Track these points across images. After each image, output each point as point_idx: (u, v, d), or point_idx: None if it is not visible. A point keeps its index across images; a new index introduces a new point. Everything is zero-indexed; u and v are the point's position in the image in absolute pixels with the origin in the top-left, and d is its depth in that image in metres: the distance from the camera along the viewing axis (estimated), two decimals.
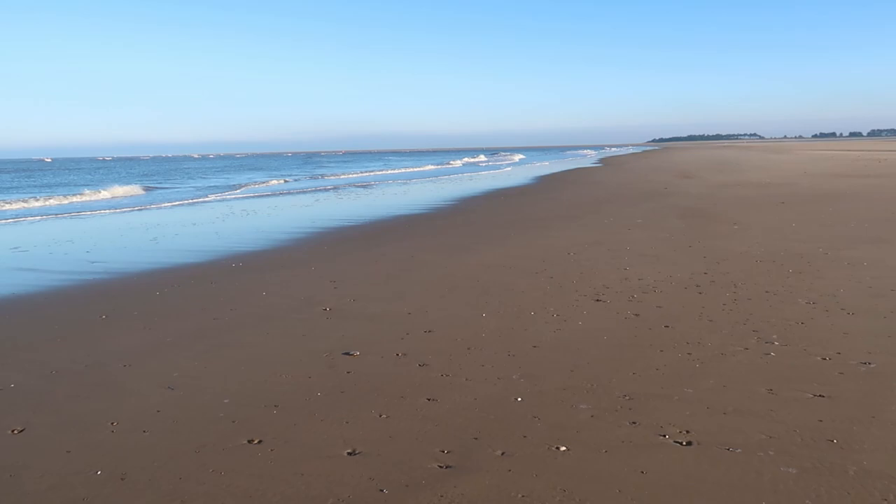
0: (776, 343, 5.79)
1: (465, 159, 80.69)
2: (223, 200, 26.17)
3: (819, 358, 5.39)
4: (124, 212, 21.87)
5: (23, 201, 26.87)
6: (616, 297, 7.62)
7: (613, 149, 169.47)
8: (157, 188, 37.42)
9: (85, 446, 4.20)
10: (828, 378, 4.96)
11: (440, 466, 3.81)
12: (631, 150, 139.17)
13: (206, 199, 27.52)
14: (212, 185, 40.23)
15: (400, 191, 29.21)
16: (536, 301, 7.53)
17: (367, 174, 49.24)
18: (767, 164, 39.75)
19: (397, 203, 22.12)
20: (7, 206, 24.88)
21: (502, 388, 4.98)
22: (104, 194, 30.54)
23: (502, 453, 3.95)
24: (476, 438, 4.15)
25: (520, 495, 3.49)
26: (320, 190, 31.47)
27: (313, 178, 45.88)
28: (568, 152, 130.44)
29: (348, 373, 5.39)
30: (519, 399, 4.76)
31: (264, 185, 37.99)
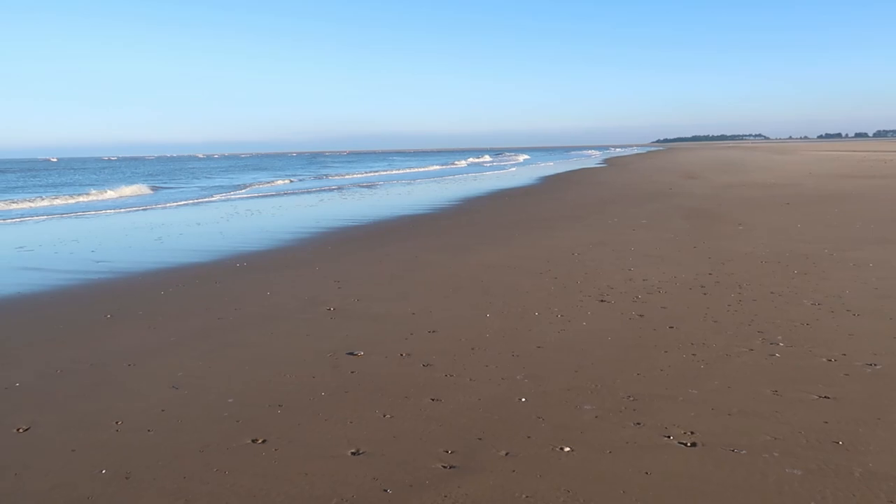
0: (781, 344, 5.78)
1: (470, 159, 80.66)
2: (227, 200, 26.22)
3: (824, 359, 5.37)
4: (129, 211, 21.92)
5: (29, 201, 27.01)
6: (620, 297, 7.60)
7: (618, 149, 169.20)
8: (163, 188, 37.56)
9: (89, 445, 4.21)
10: (833, 379, 4.94)
11: (444, 467, 3.81)
12: (635, 150, 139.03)
13: (211, 198, 27.58)
14: (217, 185, 40.32)
15: (404, 191, 29.22)
16: (541, 301, 7.52)
17: (371, 174, 49.28)
18: (772, 165, 39.65)
19: (401, 203, 22.13)
20: (13, 206, 24.97)
21: (506, 388, 4.98)
22: (111, 194, 30.70)
23: (506, 454, 3.94)
24: (480, 439, 4.15)
25: (524, 496, 3.48)
26: (324, 190, 31.50)
27: (318, 178, 45.93)
28: (572, 153, 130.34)
29: (352, 373, 5.40)
30: (523, 399, 4.75)
31: (269, 185, 38.06)
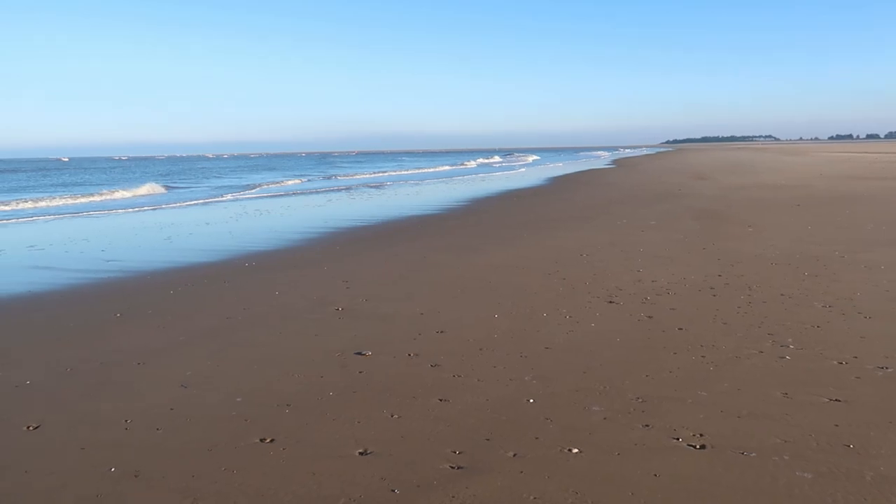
0: (791, 346, 5.74)
1: (480, 160, 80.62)
2: (237, 200, 26.32)
3: (835, 362, 5.33)
4: (143, 211, 22.03)
5: (45, 200, 27.19)
6: (629, 298, 7.58)
7: (627, 150, 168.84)
8: (175, 187, 37.78)
9: (99, 443, 4.23)
10: (844, 382, 4.90)
11: (452, 467, 3.81)
12: (644, 151, 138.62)
13: (222, 198, 27.72)
14: (226, 184, 40.49)
15: (413, 191, 29.23)
16: (549, 302, 7.51)
17: (380, 174, 49.35)
18: (782, 166, 39.44)
19: (410, 203, 22.14)
20: (25, 205, 25.12)
21: (514, 389, 4.97)
22: (127, 193, 31.06)
23: (514, 454, 3.93)
24: (488, 439, 4.14)
25: (532, 497, 3.47)
26: (333, 190, 31.57)
27: (326, 178, 46.03)
28: (581, 153, 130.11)
29: (360, 373, 5.40)
30: (531, 400, 4.74)
31: (278, 185, 38.18)
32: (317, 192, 30.15)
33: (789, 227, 12.94)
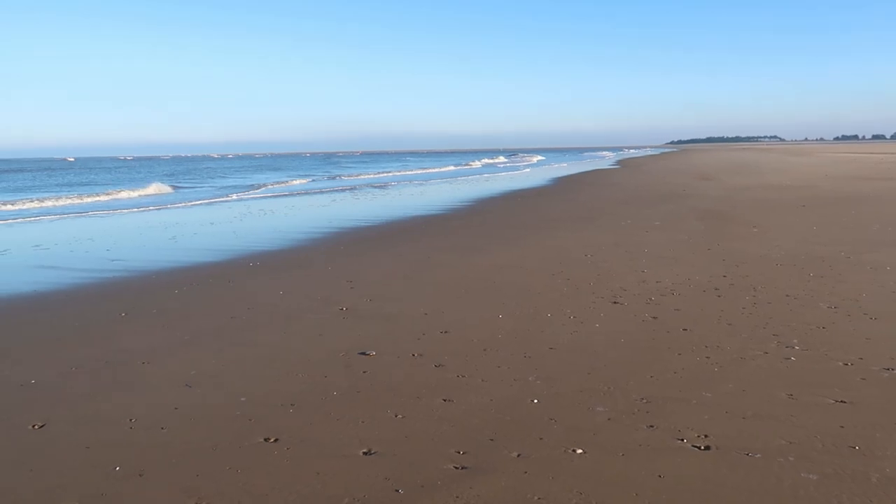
0: (797, 347, 5.72)
1: (485, 160, 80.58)
2: (241, 200, 26.37)
3: (841, 363, 5.31)
4: (144, 211, 22.08)
5: (51, 199, 27.29)
6: (633, 299, 7.56)
7: (631, 150, 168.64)
8: (182, 187, 37.90)
9: (104, 442, 4.24)
10: (850, 383, 4.89)
11: (456, 467, 3.80)
12: (649, 151, 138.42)
13: (228, 198, 27.79)
14: (232, 184, 40.60)
15: (417, 191, 29.24)
16: (553, 303, 7.50)
17: (384, 175, 49.36)
18: (787, 167, 39.33)
19: (414, 204, 22.14)
20: (31, 205, 25.20)
21: (518, 389, 4.96)
22: (135, 193, 31.26)
23: (518, 455, 3.93)
24: (492, 440, 4.14)
25: (536, 497, 3.47)
26: (338, 190, 31.60)
27: (331, 178, 46.08)
28: (586, 154, 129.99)
29: (364, 372, 5.40)
30: (535, 401, 4.74)
31: (283, 185, 38.25)
32: (321, 193, 30.18)
33: (794, 228, 12.90)
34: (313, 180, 42.98)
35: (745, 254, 10.22)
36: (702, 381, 5.01)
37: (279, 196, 28.23)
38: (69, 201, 26.91)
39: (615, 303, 7.42)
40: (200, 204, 24.90)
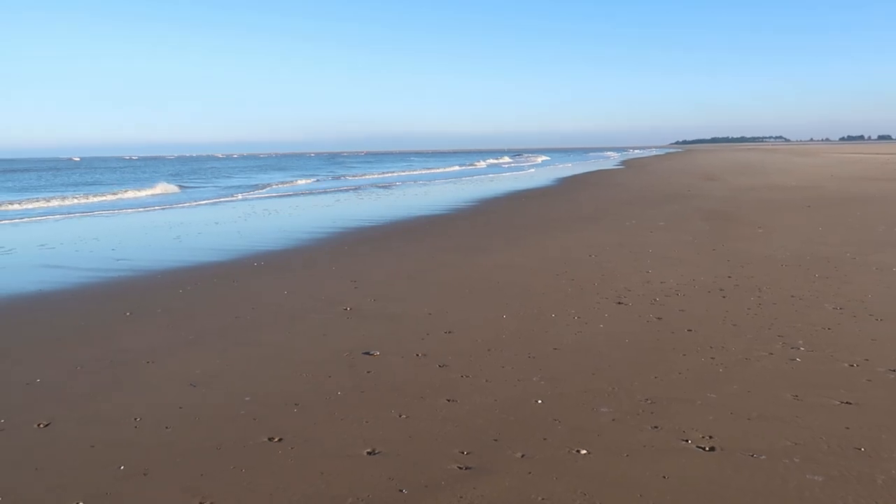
0: (802, 348, 5.70)
1: (490, 160, 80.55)
2: (246, 200, 26.42)
3: (846, 364, 5.29)
4: (150, 210, 22.13)
5: (57, 199, 27.39)
6: (638, 299, 7.55)
7: (636, 151, 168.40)
8: (188, 187, 38.02)
9: (108, 441, 4.25)
10: (855, 385, 4.87)
11: (460, 467, 3.80)
12: (654, 152, 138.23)
13: (233, 198, 27.86)
14: (237, 184, 40.69)
15: (421, 191, 29.25)
16: (557, 303, 7.49)
17: (389, 175, 49.40)
18: (793, 167, 39.22)
19: (418, 204, 22.15)
20: (37, 205, 25.28)
21: (522, 389, 4.96)
22: (143, 192, 31.46)
23: (522, 455, 3.92)
24: (496, 440, 4.13)
25: (540, 498, 3.46)
26: (342, 190, 31.64)
27: (336, 178, 46.13)
28: (591, 154, 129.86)
29: (368, 372, 5.40)
30: (539, 401, 4.73)
31: (287, 185, 38.31)
32: (325, 193, 30.22)
33: (800, 229, 12.86)
34: (318, 180, 43.04)
35: (750, 254, 10.19)
36: (706, 382, 5.00)
37: (283, 196, 28.27)
38: (75, 201, 27.01)
39: (619, 303, 7.41)
40: (205, 204, 24.95)
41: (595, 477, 3.65)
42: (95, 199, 27.84)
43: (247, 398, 4.92)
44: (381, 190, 30.76)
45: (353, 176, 48.30)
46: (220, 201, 26.06)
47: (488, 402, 4.74)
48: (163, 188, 34.07)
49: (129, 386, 5.24)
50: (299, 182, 41.01)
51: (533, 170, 53.12)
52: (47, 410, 4.77)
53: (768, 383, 4.94)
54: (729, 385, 4.93)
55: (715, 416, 4.39)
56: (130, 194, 30.75)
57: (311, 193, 30.00)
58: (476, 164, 69.57)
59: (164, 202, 26.05)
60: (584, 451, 3.95)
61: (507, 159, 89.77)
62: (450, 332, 6.45)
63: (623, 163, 62.37)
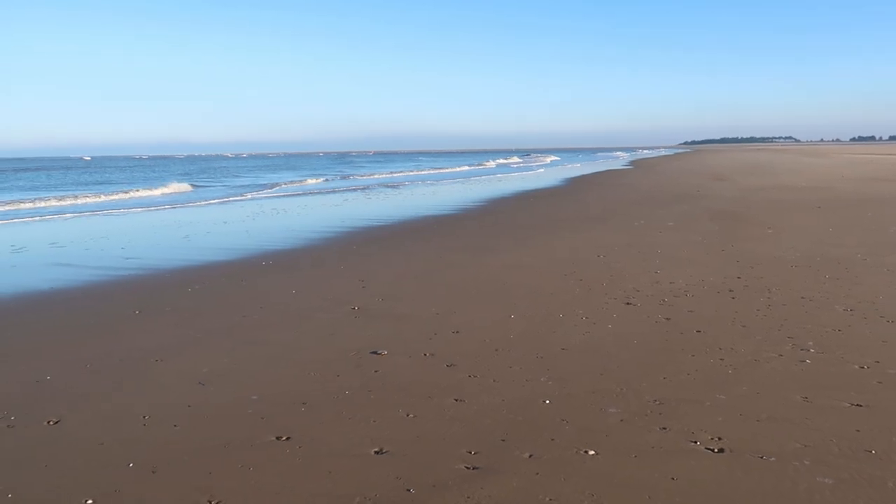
0: (812, 350, 5.66)
1: (499, 160, 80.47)
2: (255, 199, 26.49)
3: (857, 366, 5.25)
4: (160, 209, 22.23)
5: (70, 197, 27.59)
6: (647, 300, 7.52)
7: (645, 151, 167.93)
8: (200, 186, 38.21)
9: (117, 439, 4.26)
10: (866, 387, 4.83)
11: (467, 467, 3.79)
12: (663, 152, 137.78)
13: (243, 197, 27.97)
14: (246, 183, 40.84)
15: (429, 191, 29.25)
16: (565, 303, 7.47)
17: (397, 174, 49.44)
18: (803, 168, 39.00)
19: (426, 204, 22.15)
20: (50, 203, 25.42)
21: (530, 390, 4.95)
22: (153, 192, 31.65)
23: (530, 456, 3.91)
24: (503, 440, 4.12)
25: (547, 498, 3.45)
26: (350, 190, 31.69)
27: (344, 178, 46.20)
28: (599, 154, 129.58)
29: (376, 372, 5.40)
30: (547, 401, 4.72)
31: (296, 184, 38.42)
32: (334, 192, 30.27)
33: (810, 229, 12.79)
34: (326, 180, 43.12)
35: (760, 255, 10.14)
36: (716, 383, 4.97)
37: (292, 195, 28.34)
38: (87, 200, 27.22)
39: (628, 304, 7.38)
40: (215, 203, 25.05)
41: (603, 478, 3.64)
42: (109, 198, 28.04)
43: (254, 397, 4.93)
44: (390, 190, 30.79)
45: (362, 175, 48.37)
46: (230, 200, 26.15)
47: (496, 402, 4.73)
48: (175, 187, 34.33)
49: (138, 384, 5.26)
50: (308, 181, 41.11)
51: (542, 170, 53.05)
52: (57, 408, 4.79)
53: (778, 385, 4.91)
54: (738, 386, 4.90)
55: (724, 418, 4.36)
56: (143, 193, 30.97)
57: (319, 193, 30.07)
58: (485, 164, 69.52)
59: (176, 201, 26.18)
60: (592, 452, 3.93)
61: (516, 159, 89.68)
62: (457, 332, 6.45)
63: (632, 163, 62.19)
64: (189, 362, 5.75)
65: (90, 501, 3.54)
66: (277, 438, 4.23)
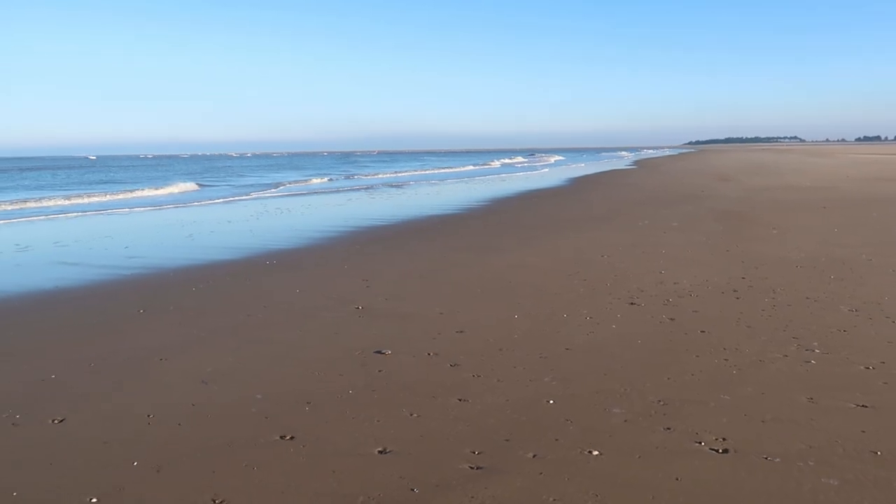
0: (817, 351, 5.65)
1: (503, 160, 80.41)
2: (260, 199, 26.52)
3: (862, 367, 5.24)
4: (162, 209, 22.27)
5: (79, 197, 27.67)
6: (651, 300, 7.51)
7: (649, 151, 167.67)
8: (206, 185, 38.29)
9: (121, 438, 4.27)
10: (871, 388, 4.81)
11: (471, 467, 3.79)
12: (667, 152, 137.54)
13: (247, 196, 28.00)
14: (251, 183, 40.89)
15: (433, 191, 29.26)
16: (569, 303, 7.46)
17: (402, 174, 49.45)
18: (808, 168, 38.89)
19: (431, 203, 22.15)
20: (56, 202, 25.49)
21: (534, 390, 4.94)
22: (159, 191, 31.75)
23: (534, 456, 3.91)
24: (507, 440, 4.12)
25: (551, 498, 3.45)
26: (355, 189, 31.70)
27: (348, 177, 46.24)
28: (603, 154, 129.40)
29: (380, 371, 5.40)
30: (551, 401, 4.71)
31: (301, 183, 38.46)
32: (338, 192, 30.30)
33: (815, 230, 12.75)
34: (331, 179, 43.16)
35: (765, 255, 10.11)
36: (720, 384, 4.96)
37: (296, 195, 28.36)
38: (95, 199, 27.30)
39: (632, 304, 7.37)
40: (219, 202, 25.08)
41: (607, 478, 3.63)
42: (115, 198, 28.11)
43: (258, 396, 4.93)
44: (394, 189, 30.80)
45: (366, 175, 48.40)
46: (234, 200, 26.19)
47: (500, 401, 4.73)
48: (182, 186, 34.39)
49: (142, 383, 5.27)
50: (312, 181, 41.15)
51: (546, 170, 53.00)
52: (62, 407, 4.80)
53: (783, 385, 4.89)
54: (743, 387, 4.89)
55: (728, 418, 4.35)
56: (149, 192, 31.05)
57: (323, 192, 30.09)
58: (490, 163, 69.49)
59: (181, 200, 26.22)
60: (595, 452, 3.93)
61: (520, 159, 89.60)
62: (461, 332, 6.44)
63: (636, 163, 62.09)
64: (193, 361, 5.75)
65: (94, 500, 3.55)
66: (281, 438, 4.23)
